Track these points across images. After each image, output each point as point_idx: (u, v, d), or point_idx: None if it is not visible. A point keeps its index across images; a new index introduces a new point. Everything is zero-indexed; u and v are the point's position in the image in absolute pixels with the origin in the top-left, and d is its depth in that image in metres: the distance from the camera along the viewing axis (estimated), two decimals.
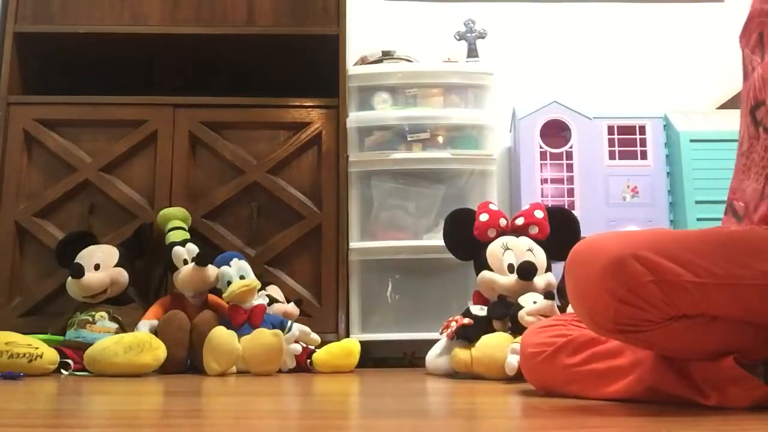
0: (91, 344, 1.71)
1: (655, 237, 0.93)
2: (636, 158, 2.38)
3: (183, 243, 2.02)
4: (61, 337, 1.86)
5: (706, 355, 0.94)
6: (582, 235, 1.89)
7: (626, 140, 2.39)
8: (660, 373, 0.99)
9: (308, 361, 1.88)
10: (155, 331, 1.82)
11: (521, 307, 1.67)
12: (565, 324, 1.18)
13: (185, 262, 1.98)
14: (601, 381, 1.07)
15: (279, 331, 1.78)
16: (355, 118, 2.24)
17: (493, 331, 1.69)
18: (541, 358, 1.15)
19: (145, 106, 2.24)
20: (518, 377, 1.34)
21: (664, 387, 0.99)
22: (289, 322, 1.91)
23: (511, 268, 1.82)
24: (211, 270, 1.95)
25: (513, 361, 1.45)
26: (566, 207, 2.22)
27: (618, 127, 2.40)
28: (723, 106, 2.54)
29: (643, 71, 2.78)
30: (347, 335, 2.10)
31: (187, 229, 2.08)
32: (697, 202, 2.29)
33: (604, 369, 1.07)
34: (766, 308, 0.89)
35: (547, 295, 1.66)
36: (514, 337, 1.59)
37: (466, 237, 1.91)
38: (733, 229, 1.04)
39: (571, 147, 2.37)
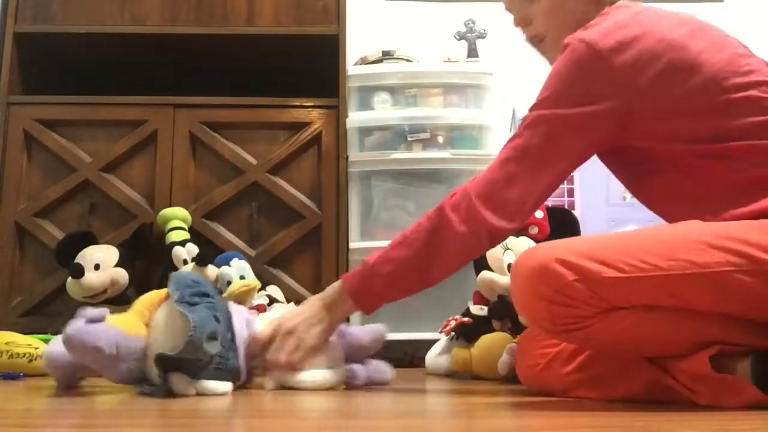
0: None
1: (581, 243, 1.01)
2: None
3: (183, 243, 2.02)
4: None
5: (678, 348, 0.96)
6: (582, 235, 1.89)
7: None
8: (653, 374, 1.00)
9: None
10: None
11: None
12: None
13: (185, 262, 1.98)
14: (597, 385, 1.08)
15: None
16: (355, 118, 2.23)
17: (493, 331, 1.69)
18: (538, 369, 1.18)
19: (145, 106, 2.24)
20: (516, 377, 1.34)
21: (660, 387, 0.99)
22: None
23: (510, 268, 1.81)
24: (211, 270, 1.95)
25: (506, 360, 1.46)
26: (566, 207, 2.22)
27: None
28: None
29: None
30: None
31: (187, 229, 2.08)
32: None
33: (598, 374, 1.08)
34: (701, 295, 0.92)
35: None
36: (514, 337, 1.59)
37: None
38: (662, 225, 1.10)
39: None
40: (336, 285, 1.26)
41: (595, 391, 1.08)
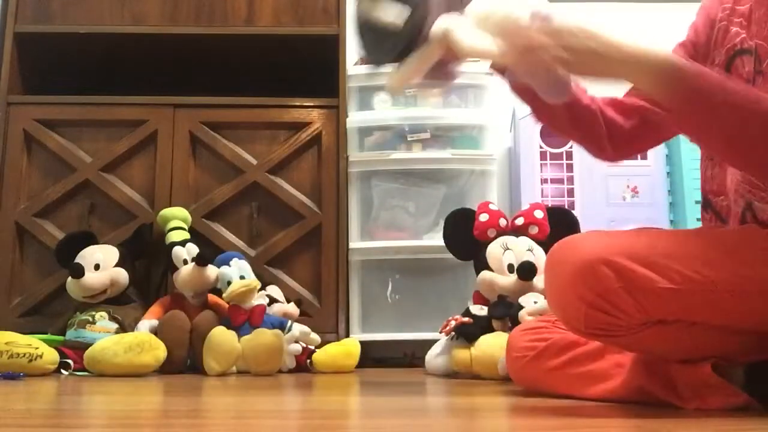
0: (91, 344, 1.71)
1: (630, 240, 0.91)
2: (636, 158, 2.38)
3: (183, 243, 2.02)
4: (61, 337, 1.86)
5: (686, 357, 0.94)
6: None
7: None
8: (642, 376, 0.99)
9: (308, 361, 1.88)
10: (155, 331, 1.82)
11: (522, 307, 1.67)
12: (548, 326, 1.18)
13: (185, 262, 1.98)
14: (582, 383, 1.07)
15: (279, 331, 1.79)
16: (355, 118, 2.23)
17: (493, 331, 1.70)
18: (525, 362, 1.16)
19: (145, 106, 2.24)
20: None
21: (646, 389, 0.99)
22: (289, 322, 1.91)
23: (511, 268, 1.82)
24: (211, 270, 1.95)
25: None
26: (566, 207, 2.22)
27: None
28: None
29: None
30: (347, 335, 2.10)
31: (187, 229, 2.08)
32: (697, 202, 2.27)
33: (585, 372, 1.07)
34: (755, 313, 0.88)
35: None
36: None
37: (466, 237, 1.91)
38: (716, 230, 1.02)
39: (571, 147, 2.37)
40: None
41: (578, 389, 1.07)
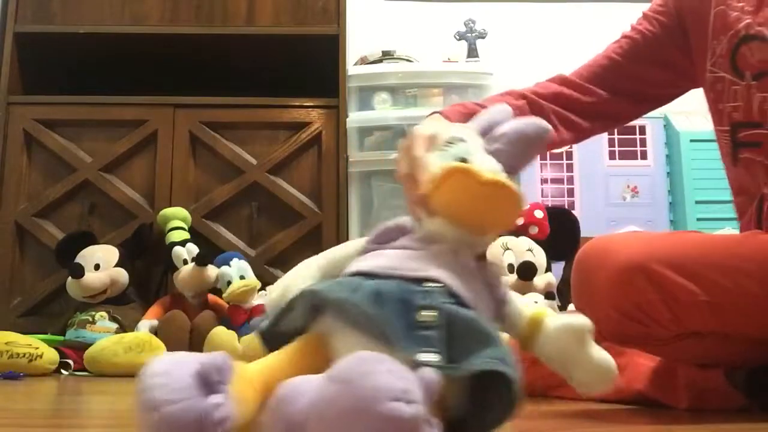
0: (91, 344, 1.71)
1: (669, 246, 0.86)
2: (636, 158, 2.38)
3: (183, 243, 2.02)
4: (61, 337, 1.86)
5: (709, 363, 0.93)
6: (582, 235, 1.89)
7: (626, 140, 2.39)
8: (642, 380, 0.98)
9: None
10: (155, 331, 1.82)
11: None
12: None
13: (185, 262, 1.98)
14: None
15: None
16: (355, 118, 2.23)
17: None
18: (524, 366, 1.14)
19: (145, 106, 2.24)
20: None
21: (645, 392, 0.97)
22: None
23: (510, 268, 1.82)
24: (211, 270, 1.95)
25: None
26: (566, 207, 2.22)
27: None
28: None
29: None
30: None
31: (187, 229, 2.08)
32: (697, 202, 2.29)
33: None
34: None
35: (548, 295, 1.66)
36: None
37: None
38: (758, 236, 0.94)
39: (571, 147, 2.37)
40: None
41: (576, 393, 1.07)
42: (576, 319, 0.68)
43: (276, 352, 0.60)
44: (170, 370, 0.53)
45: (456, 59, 2.45)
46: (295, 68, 2.39)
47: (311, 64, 2.34)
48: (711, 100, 1.05)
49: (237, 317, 1.86)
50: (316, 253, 0.80)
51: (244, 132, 2.25)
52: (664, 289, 0.81)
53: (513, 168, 0.75)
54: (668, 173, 2.38)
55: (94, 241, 2.05)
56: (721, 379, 0.90)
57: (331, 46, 2.26)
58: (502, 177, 0.67)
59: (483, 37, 2.52)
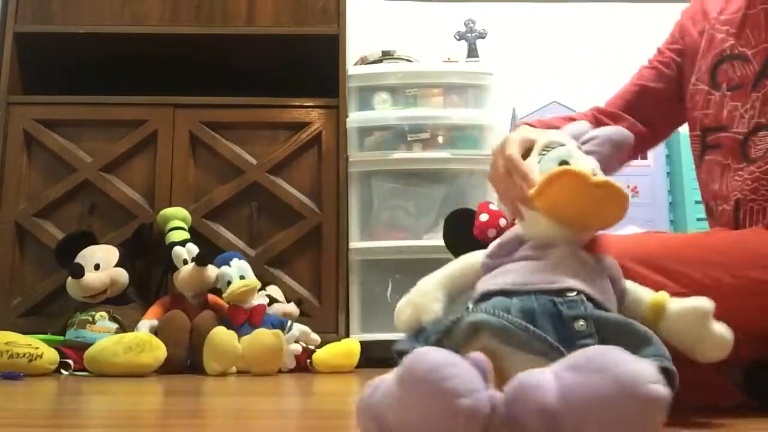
0: (91, 344, 1.71)
1: (641, 244, 0.91)
2: (636, 158, 2.37)
3: (183, 243, 2.02)
4: (61, 337, 1.86)
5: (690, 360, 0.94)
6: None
7: None
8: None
9: (308, 361, 1.88)
10: (155, 331, 1.82)
11: None
12: None
13: (185, 262, 1.98)
14: None
15: (279, 331, 1.78)
16: (355, 118, 2.23)
17: None
18: None
19: (145, 106, 2.24)
20: None
21: None
22: (289, 322, 1.91)
23: None
24: (211, 270, 1.95)
25: None
26: None
27: None
28: None
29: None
30: (347, 335, 2.10)
31: (187, 229, 2.08)
32: (697, 202, 2.27)
33: None
34: (758, 315, 0.88)
35: None
36: None
37: (466, 237, 1.91)
38: (726, 232, 1.03)
39: None
40: None
41: None
42: (698, 301, 0.74)
43: None
44: (454, 362, 0.54)
45: (456, 59, 2.46)
46: (295, 68, 2.39)
47: (311, 64, 2.35)
48: (689, 109, 1.16)
49: (237, 317, 1.86)
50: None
51: (244, 132, 2.25)
52: (638, 283, 0.84)
53: (604, 171, 0.80)
54: (668, 173, 2.38)
55: (94, 241, 2.05)
56: (716, 375, 0.90)
57: (331, 46, 2.26)
58: (609, 178, 0.72)
59: (483, 37, 2.52)
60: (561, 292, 0.67)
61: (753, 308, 0.87)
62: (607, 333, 0.64)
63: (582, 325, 0.64)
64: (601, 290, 0.71)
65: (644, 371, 0.52)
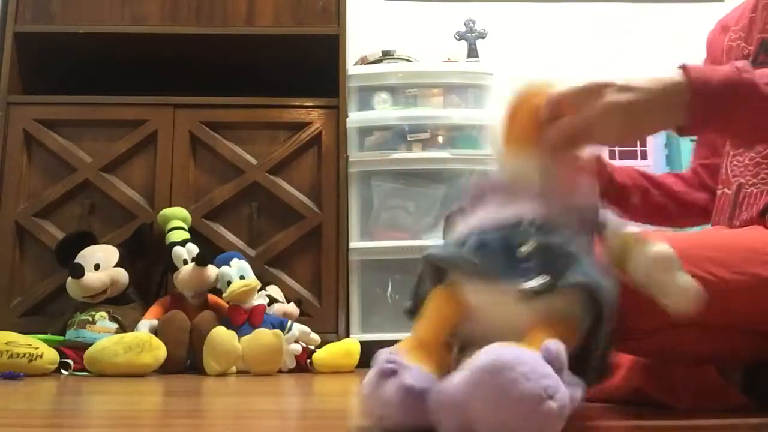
0: (91, 344, 1.71)
1: None
2: (636, 158, 2.38)
3: (183, 243, 2.02)
4: (61, 337, 1.86)
5: (699, 361, 0.94)
6: None
7: None
8: (640, 376, 0.99)
9: (308, 361, 1.88)
10: (155, 331, 1.82)
11: None
12: None
13: (185, 262, 1.98)
14: None
15: (279, 331, 1.79)
16: (355, 118, 2.23)
17: None
18: None
19: (145, 106, 2.24)
20: None
21: (644, 390, 0.98)
22: (289, 322, 1.91)
23: None
24: (211, 270, 1.95)
25: None
26: None
27: None
28: None
29: (643, 71, 2.77)
30: (347, 335, 2.10)
31: (187, 229, 2.08)
32: None
33: None
34: (757, 312, 0.88)
35: None
36: None
37: None
38: (727, 231, 1.03)
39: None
40: (677, 74, 0.86)
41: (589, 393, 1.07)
42: (660, 246, 0.74)
43: (422, 315, 0.74)
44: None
45: (456, 59, 2.46)
46: (295, 68, 2.39)
47: (311, 64, 2.35)
48: None
49: (237, 317, 1.86)
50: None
51: (244, 132, 2.25)
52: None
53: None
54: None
55: (94, 241, 2.05)
56: (717, 376, 0.90)
57: (331, 46, 2.26)
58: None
59: (483, 37, 2.52)
60: (516, 224, 0.72)
61: (757, 307, 0.87)
62: (551, 255, 0.68)
63: (523, 251, 0.68)
64: (562, 215, 0.73)
65: (535, 391, 0.57)
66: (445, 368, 0.69)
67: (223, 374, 1.74)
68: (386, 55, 2.38)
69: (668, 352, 0.93)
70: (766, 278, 0.86)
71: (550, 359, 0.60)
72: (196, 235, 2.10)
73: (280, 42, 2.31)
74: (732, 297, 0.85)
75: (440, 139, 2.25)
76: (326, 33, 2.28)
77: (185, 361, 1.84)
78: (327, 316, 2.13)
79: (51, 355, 1.67)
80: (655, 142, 2.38)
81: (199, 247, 2.01)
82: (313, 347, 1.93)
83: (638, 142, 2.38)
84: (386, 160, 2.21)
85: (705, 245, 0.91)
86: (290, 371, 1.87)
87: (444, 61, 2.42)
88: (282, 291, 2.09)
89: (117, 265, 1.98)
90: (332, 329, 2.11)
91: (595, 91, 0.80)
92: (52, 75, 2.39)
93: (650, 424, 0.84)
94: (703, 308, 0.82)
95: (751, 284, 0.86)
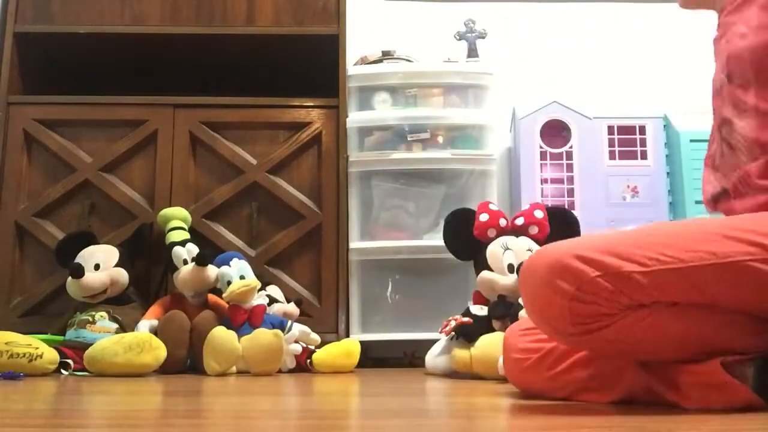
0: (91, 344, 1.71)
1: (596, 239, 0.97)
2: (636, 158, 2.38)
3: (183, 243, 2.02)
4: (61, 337, 1.86)
5: (682, 351, 0.95)
6: (582, 234, 1.89)
7: (626, 140, 2.39)
8: (644, 376, 0.99)
9: (308, 361, 1.88)
10: (155, 331, 1.82)
11: (522, 307, 1.67)
12: None
13: (185, 262, 1.98)
14: (586, 387, 1.07)
15: (279, 331, 1.79)
16: (355, 118, 2.23)
17: (493, 331, 1.70)
18: (526, 365, 1.15)
19: (145, 106, 2.24)
20: None
21: (649, 390, 0.98)
22: (289, 322, 1.91)
23: (511, 268, 1.82)
24: (211, 270, 1.95)
25: None
26: (566, 207, 2.22)
27: (618, 127, 2.40)
28: None
29: (643, 71, 2.78)
30: (347, 335, 2.10)
31: (187, 229, 2.08)
32: (697, 202, 2.29)
33: (587, 376, 1.07)
34: (721, 287, 0.91)
35: None
36: None
37: (466, 237, 1.91)
38: (673, 221, 1.10)
39: (571, 147, 2.37)
40: None
41: (581, 394, 1.07)
42: None
43: None
44: None
45: (456, 59, 2.46)
46: (295, 68, 2.39)
47: (311, 64, 2.35)
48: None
49: (237, 317, 1.86)
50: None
51: (244, 132, 2.25)
52: (599, 266, 0.90)
53: None
54: (668, 173, 2.38)
55: (94, 241, 2.05)
56: (722, 373, 0.90)
57: (331, 46, 2.26)
58: None
59: (483, 37, 2.52)
60: None
61: (728, 284, 0.91)
62: None
63: None
64: None
65: None
66: None
67: (223, 374, 1.74)
68: (386, 55, 2.38)
69: (645, 341, 0.95)
70: (725, 253, 0.90)
71: None
72: (196, 235, 2.10)
73: (280, 42, 2.31)
74: (696, 273, 0.90)
75: (440, 139, 2.25)
76: (326, 33, 2.28)
77: (185, 361, 1.84)
78: (327, 316, 2.13)
79: (51, 355, 1.67)
80: (655, 142, 2.38)
81: (199, 247, 2.01)
82: (313, 347, 1.93)
83: (638, 142, 2.38)
84: (386, 160, 2.21)
85: (655, 233, 0.97)
86: (290, 371, 1.87)
87: (444, 61, 2.42)
88: (282, 291, 2.09)
89: (117, 265, 1.98)
90: (332, 329, 2.11)
91: None
92: (52, 75, 2.39)
93: (656, 423, 0.84)
94: (666, 285, 0.90)
95: (711, 260, 0.90)
